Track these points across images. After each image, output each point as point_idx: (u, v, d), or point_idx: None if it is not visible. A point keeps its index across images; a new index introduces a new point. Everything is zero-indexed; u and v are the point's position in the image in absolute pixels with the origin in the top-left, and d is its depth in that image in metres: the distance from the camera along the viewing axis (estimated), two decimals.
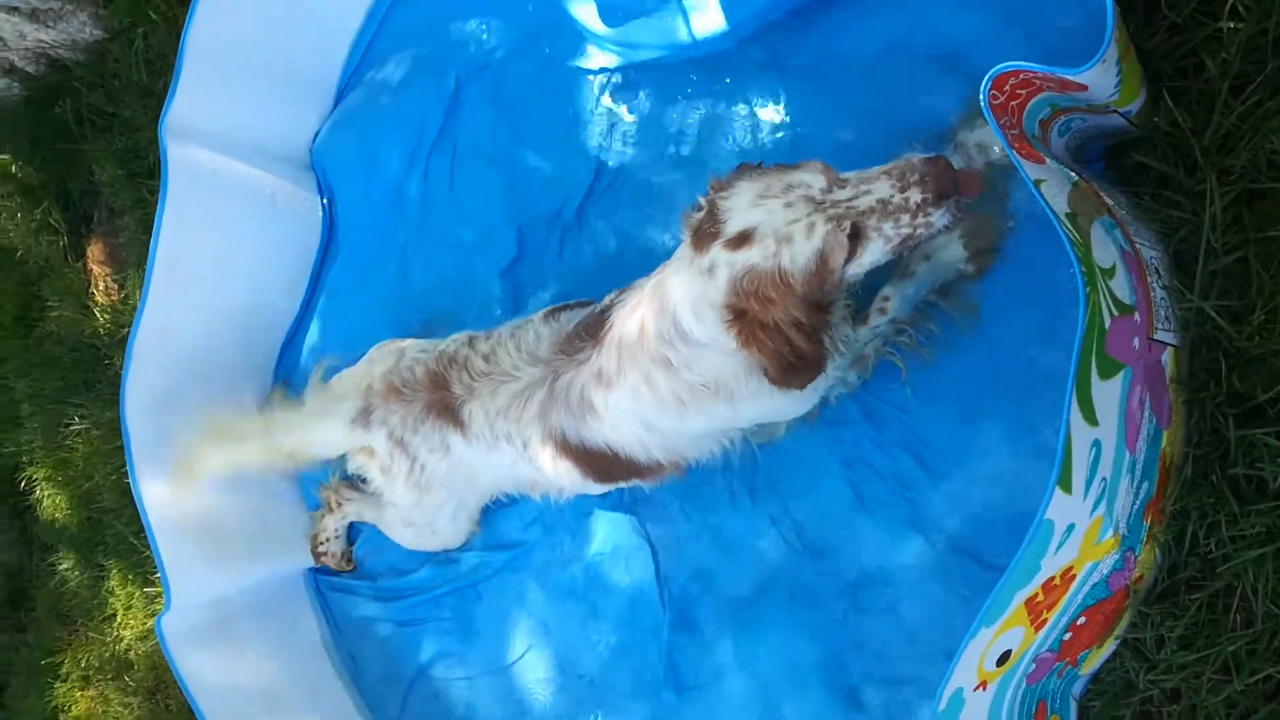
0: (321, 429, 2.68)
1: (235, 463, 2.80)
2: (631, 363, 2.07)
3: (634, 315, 2.03)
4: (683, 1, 2.49)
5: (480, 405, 2.37)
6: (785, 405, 2.21)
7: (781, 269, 1.76)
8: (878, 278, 2.07)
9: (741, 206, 1.78)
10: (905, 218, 1.77)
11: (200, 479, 2.83)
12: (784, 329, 1.82)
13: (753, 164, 1.93)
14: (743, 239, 1.77)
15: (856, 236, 1.77)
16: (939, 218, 1.79)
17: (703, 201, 1.87)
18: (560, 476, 2.41)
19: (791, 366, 1.88)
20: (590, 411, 2.19)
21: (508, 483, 2.66)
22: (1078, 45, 2.04)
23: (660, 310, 1.97)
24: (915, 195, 1.76)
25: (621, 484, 2.50)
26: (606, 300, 2.22)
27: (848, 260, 1.79)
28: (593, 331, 2.17)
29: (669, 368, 2.03)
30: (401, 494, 2.65)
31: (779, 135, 2.49)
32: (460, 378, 2.40)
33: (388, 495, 2.72)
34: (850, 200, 1.76)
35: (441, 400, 2.44)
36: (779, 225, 1.75)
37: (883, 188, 1.76)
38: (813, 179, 1.78)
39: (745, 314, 1.83)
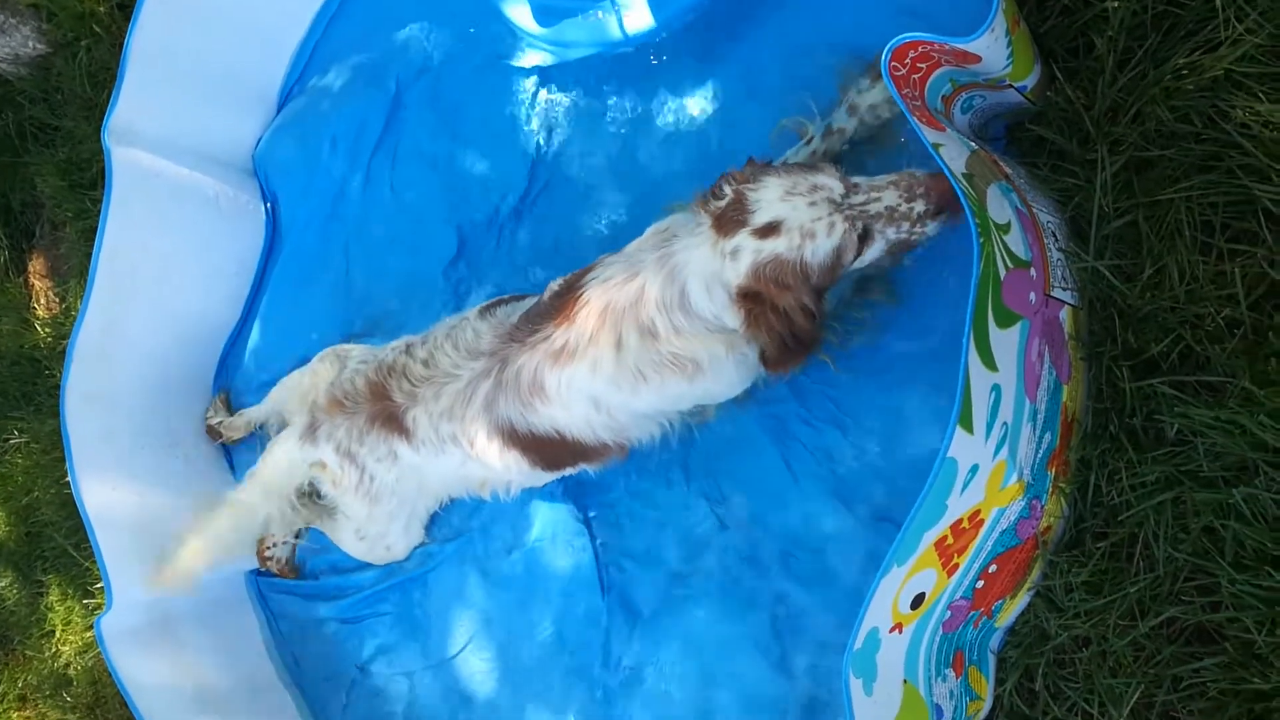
0: (276, 456, 2.72)
1: (220, 553, 2.79)
2: (611, 327, 2.13)
3: (631, 284, 2.10)
4: (614, 1, 2.58)
5: (423, 409, 2.42)
6: (728, 387, 2.31)
7: (803, 260, 1.94)
8: None
9: (770, 199, 1.95)
10: (905, 225, 1.97)
11: (191, 577, 2.79)
12: (791, 313, 1.99)
13: (760, 160, 2.11)
14: (770, 229, 1.94)
15: (865, 237, 1.96)
16: (931, 228, 1.99)
17: (728, 190, 2.01)
18: (509, 469, 2.46)
19: (788, 349, 2.05)
20: (540, 394, 2.24)
21: (457, 485, 2.71)
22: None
23: (668, 279, 2.07)
24: (919, 206, 1.95)
25: (569, 470, 2.55)
26: (554, 286, 2.29)
27: (859, 255, 1.98)
28: (549, 314, 2.23)
29: (650, 335, 2.12)
30: (354, 506, 2.69)
31: (704, 123, 2.59)
32: (400, 385, 2.47)
33: (341, 508, 2.76)
34: (863, 204, 1.95)
35: (384, 410, 2.49)
36: (804, 221, 1.92)
37: (891, 196, 1.95)
38: (833, 183, 1.95)
39: (759, 297, 1.99)
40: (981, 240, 1.61)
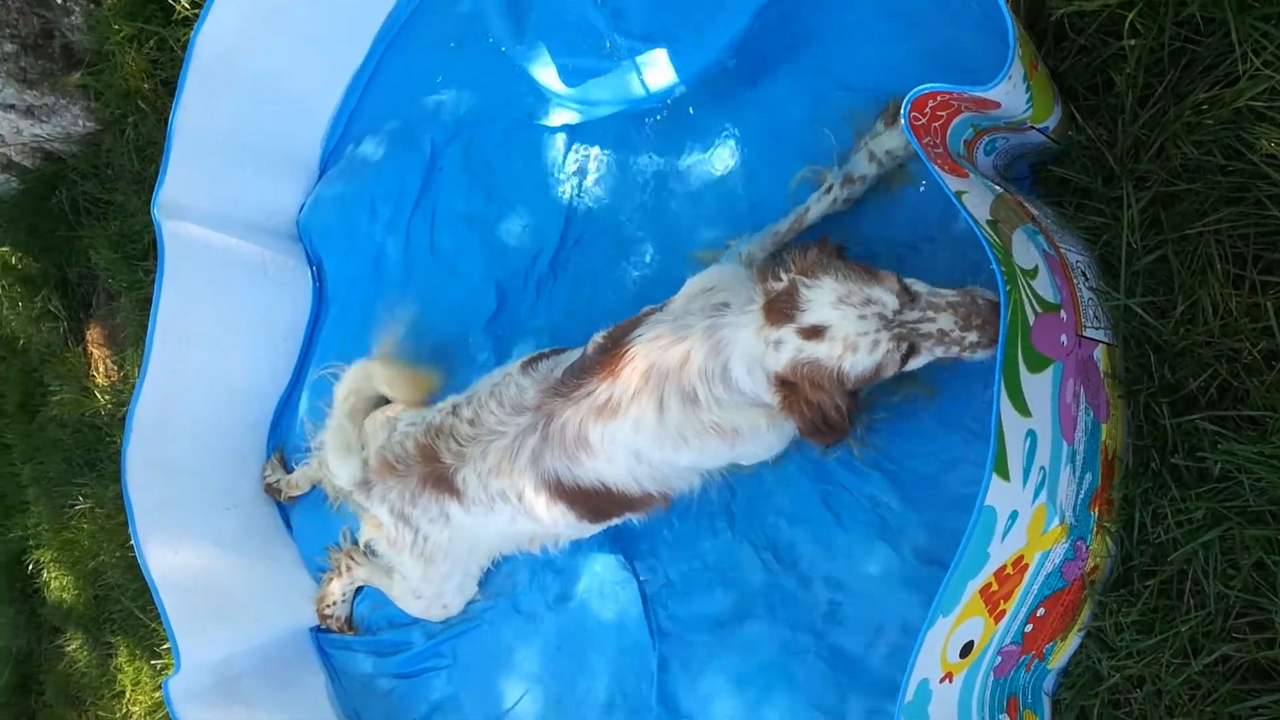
0: (336, 466, 2.85)
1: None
2: (655, 388, 2.16)
3: (677, 347, 2.13)
4: (636, 59, 2.64)
5: (472, 469, 2.47)
6: (766, 450, 2.36)
7: (841, 370, 1.96)
8: None
9: (822, 302, 1.95)
10: (955, 349, 1.95)
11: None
12: (824, 408, 2.03)
13: (834, 244, 2.10)
14: (815, 332, 1.96)
15: (911, 352, 1.96)
16: (981, 355, 1.96)
17: (785, 277, 2.03)
18: (556, 522, 2.49)
19: (820, 432, 2.09)
20: (585, 447, 2.28)
21: (507, 542, 2.77)
22: (997, 74, 2.19)
23: (713, 351, 2.09)
24: (973, 336, 1.92)
25: (614, 520, 2.58)
26: (598, 339, 2.33)
27: (897, 370, 1.99)
28: (593, 369, 2.26)
29: (691, 401, 2.15)
30: (409, 565, 2.76)
31: (730, 172, 2.63)
32: (448, 446, 2.52)
33: (397, 567, 2.84)
34: (915, 322, 1.94)
35: (434, 471, 2.55)
36: (850, 333, 1.93)
37: (946, 320, 1.93)
38: (888, 298, 1.94)
39: (794, 387, 2.02)
40: (1008, 288, 1.63)
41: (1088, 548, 1.87)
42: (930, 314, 1.93)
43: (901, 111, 1.73)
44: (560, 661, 2.77)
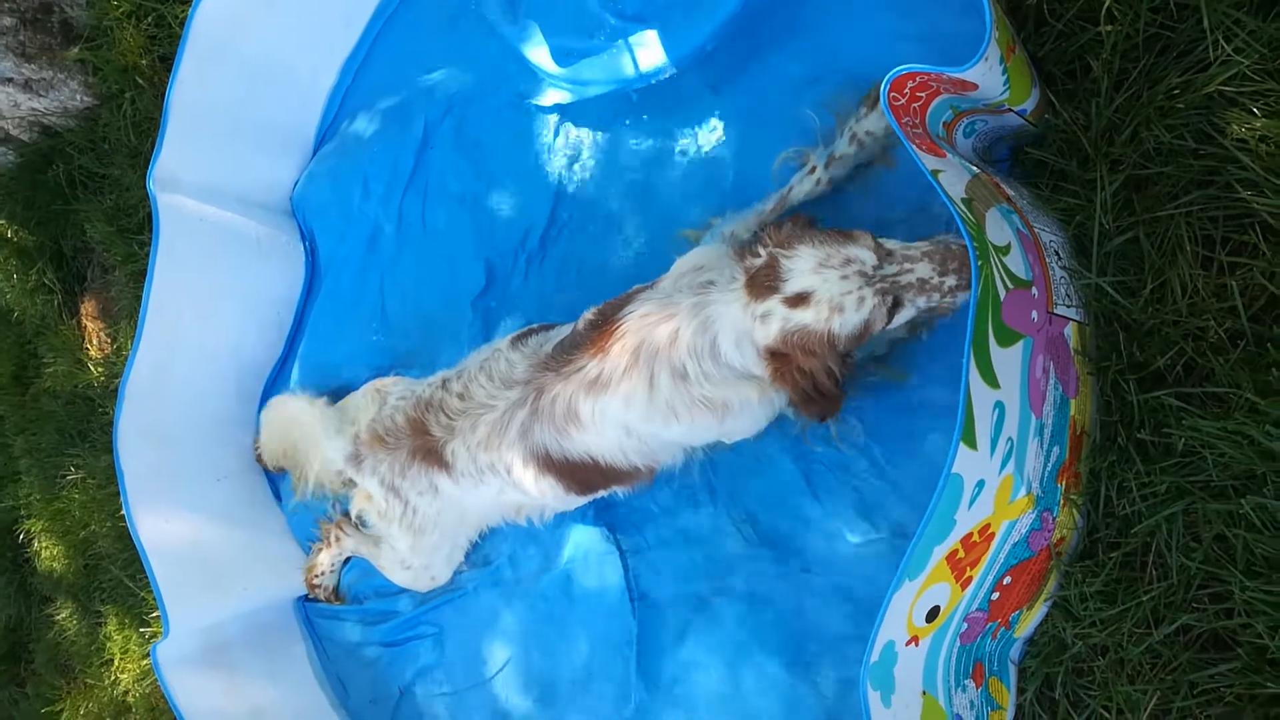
0: (323, 446, 2.91)
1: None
2: (645, 365, 2.20)
3: (665, 324, 2.17)
4: (627, 39, 2.68)
5: (461, 442, 2.52)
6: (753, 425, 2.40)
7: (831, 332, 2.01)
8: None
9: (803, 270, 2.01)
10: (936, 295, 2.01)
11: None
12: (815, 374, 2.07)
13: (805, 216, 2.17)
14: (800, 299, 2.01)
15: (895, 306, 2.02)
16: (962, 298, 2.02)
17: (763, 252, 2.08)
18: (544, 494, 2.54)
19: (812, 400, 2.12)
20: (575, 421, 2.32)
21: (495, 513, 2.81)
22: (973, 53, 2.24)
23: (701, 328, 2.14)
24: (951, 280, 2.00)
25: (601, 493, 2.62)
26: (589, 315, 2.37)
27: (884, 326, 2.04)
28: (583, 344, 2.31)
29: (681, 378, 2.19)
30: (399, 537, 2.81)
31: (717, 153, 2.68)
32: (438, 420, 2.56)
33: (386, 538, 2.89)
34: (895, 275, 2.00)
35: (424, 444, 2.60)
36: (834, 295, 1.98)
37: (924, 268, 2.00)
38: (866, 255, 2.00)
39: (785, 357, 2.07)
40: (980, 263, 1.67)
41: (1054, 519, 1.93)
42: (907, 265, 2.00)
43: (880, 92, 1.78)
44: (543, 630, 2.82)
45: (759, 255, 2.09)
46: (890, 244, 2.03)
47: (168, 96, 3.18)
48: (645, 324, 2.21)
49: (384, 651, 3.13)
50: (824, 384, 2.09)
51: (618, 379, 2.25)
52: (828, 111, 2.44)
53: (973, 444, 1.67)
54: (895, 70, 1.78)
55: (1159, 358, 1.88)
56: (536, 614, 2.84)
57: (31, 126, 4.20)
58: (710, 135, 2.68)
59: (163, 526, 3.19)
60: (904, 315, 2.04)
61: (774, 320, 2.04)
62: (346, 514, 3.15)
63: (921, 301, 2.01)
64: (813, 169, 2.41)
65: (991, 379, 1.70)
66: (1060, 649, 2.00)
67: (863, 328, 2.00)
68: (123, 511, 3.15)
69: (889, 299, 1.99)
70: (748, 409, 2.27)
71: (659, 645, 2.61)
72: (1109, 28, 1.94)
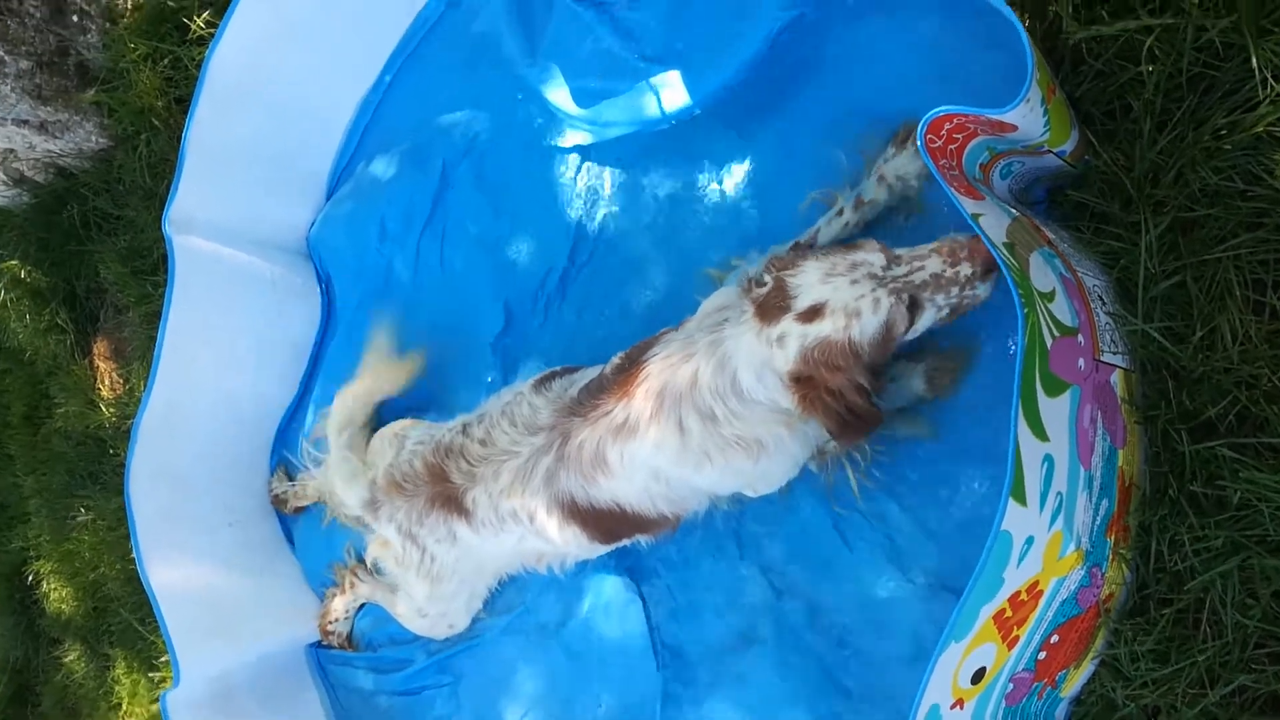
0: (341, 491, 2.86)
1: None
2: (671, 410, 2.14)
3: (685, 366, 2.11)
4: (650, 80, 2.64)
5: (483, 489, 2.45)
6: (790, 462, 2.31)
7: (852, 340, 1.93)
8: None
9: (811, 283, 1.95)
10: (955, 289, 1.95)
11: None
12: (846, 393, 1.99)
13: (805, 242, 2.17)
14: (814, 313, 1.94)
15: (914, 307, 1.95)
16: (983, 290, 1.96)
17: (768, 278, 2.03)
18: (567, 543, 2.47)
19: (848, 424, 2.04)
20: (602, 467, 2.25)
21: (514, 562, 2.74)
22: (1006, 91, 2.19)
23: (719, 367, 2.08)
24: (965, 269, 1.93)
25: (625, 541, 2.55)
26: (615, 360, 2.32)
27: (907, 329, 1.96)
28: (609, 387, 2.25)
29: (710, 419, 2.12)
30: (415, 584, 2.74)
31: (741, 195, 2.62)
32: (459, 466, 2.50)
33: (403, 586, 2.82)
34: (907, 275, 1.93)
35: (443, 491, 2.53)
36: (848, 301, 1.91)
37: (935, 263, 1.94)
38: (873, 257, 1.94)
39: (810, 380, 1.99)
40: (1026, 310, 1.61)
41: (1103, 575, 1.85)
42: (918, 263, 1.94)
43: (917, 134, 1.73)
44: (563, 682, 2.74)
45: (765, 284, 2.03)
46: (898, 250, 1.98)
47: (184, 137, 3.16)
48: (667, 366, 2.15)
49: (398, 700, 3.05)
50: (856, 402, 2.00)
51: (645, 424, 2.18)
52: (856, 152, 2.39)
53: (1022, 499, 1.60)
54: (933, 112, 1.73)
55: (1210, 407, 1.82)
56: (557, 665, 2.75)
57: (46, 168, 4.19)
58: (734, 176, 2.63)
59: (173, 571, 3.13)
60: (927, 317, 1.98)
61: (791, 341, 1.97)
62: (362, 560, 3.09)
63: (941, 299, 1.95)
64: (840, 211, 2.35)
65: (1040, 431, 1.64)
66: (1109, 709, 1.92)
67: (884, 331, 1.93)
68: (133, 554, 3.08)
69: (905, 298, 1.93)
70: (781, 446, 2.19)
71: (684, 701, 2.52)
72: (1150, 68, 1.89)
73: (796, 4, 2.48)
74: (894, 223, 2.35)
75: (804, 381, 2.00)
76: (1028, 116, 1.76)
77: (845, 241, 2.30)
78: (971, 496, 2.23)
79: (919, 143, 1.74)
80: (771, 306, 1.99)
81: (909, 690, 2.18)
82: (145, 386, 3.16)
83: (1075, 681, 1.96)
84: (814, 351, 1.95)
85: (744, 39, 2.53)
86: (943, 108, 1.73)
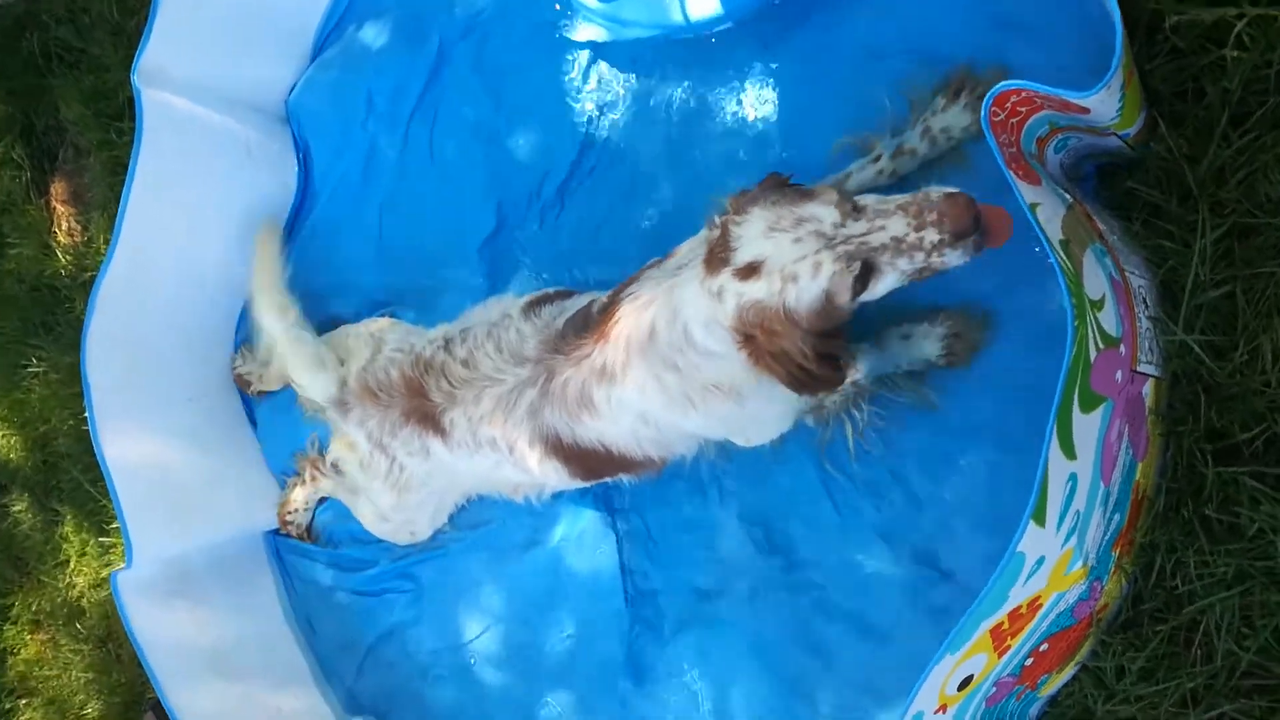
0: (307, 383, 2.69)
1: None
2: (640, 360, 2.01)
3: (645, 314, 1.97)
4: None
5: (463, 412, 2.34)
6: (783, 404, 2.17)
7: (786, 306, 1.75)
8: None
9: (752, 236, 1.76)
10: (920, 255, 1.73)
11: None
12: (791, 356, 1.81)
13: (782, 175, 1.91)
14: (751, 270, 1.76)
15: (868, 271, 1.75)
16: (954, 256, 1.75)
17: (717, 220, 1.85)
18: (547, 476, 2.38)
19: (803, 383, 1.88)
20: (588, 408, 2.13)
21: (488, 485, 2.65)
22: (1075, 56, 2.02)
23: (671, 318, 1.93)
24: (932, 235, 1.71)
25: (607, 479, 2.46)
26: (602, 298, 2.17)
27: (859, 294, 1.77)
28: (592, 326, 2.11)
29: (677, 370, 1.99)
30: (381, 492, 2.65)
31: (766, 121, 2.44)
32: (439, 384, 2.37)
33: (366, 491, 2.72)
34: (863, 235, 1.72)
35: (420, 407, 2.41)
36: (786, 262, 1.73)
37: (898, 224, 1.72)
38: (825, 212, 1.73)
39: (753, 340, 1.83)
40: (1076, 324, 1.50)
41: (1103, 588, 1.80)
42: (879, 222, 1.72)
43: (983, 108, 1.57)
44: (526, 605, 2.70)
45: (715, 226, 1.87)
46: (866, 199, 1.77)
47: None
48: (632, 311, 2.01)
49: (356, 600, 3.00)
50: (806, 367, 1.82)
51: (621, 370, 2.06)
52: (899, 93, 2.21)
53: (1042, 521, 1.52)
54: (1002, 85, 1.58)
55: (1239, 430, 1.73)
56: (521, 587, 2.71)
57: None
58: (760, 101, 2.44)
59: (129, 446, 2.99)
60: (885, 282, 1.77)
61: (728, 297, 1.80)
62: (324, 453, 2.98)
63: (904, 263, 1.74)
64: (877, 157, 2.19)
65: (1069, 450, 1.54)
66: (1085, 716, 1.90)
67: (823, 299, 1.73)
68: (85, 418, 2.95)
69: (856, 264, 1.72)
70: (763, 391, 2.02)
71: (651, 638, 2.49)
72: (1236, 53, 1.72)
73: None
74: (931, 174, 2.19)
75: (747, 339, 1.84)
76: (1105, 101, 1.60)
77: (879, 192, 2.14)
78: (969, 476, 2.16)
79: (983, 116, 1.58)
80: (715, 256, 1.82)
81: (879, 661, 2.21)
82: (107, 249, 2.94)
83: (1054, 684, 1.94)
84: (748, 312, 1.79)
85: None
86: (1013, 82, 1.57)
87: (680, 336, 1.94)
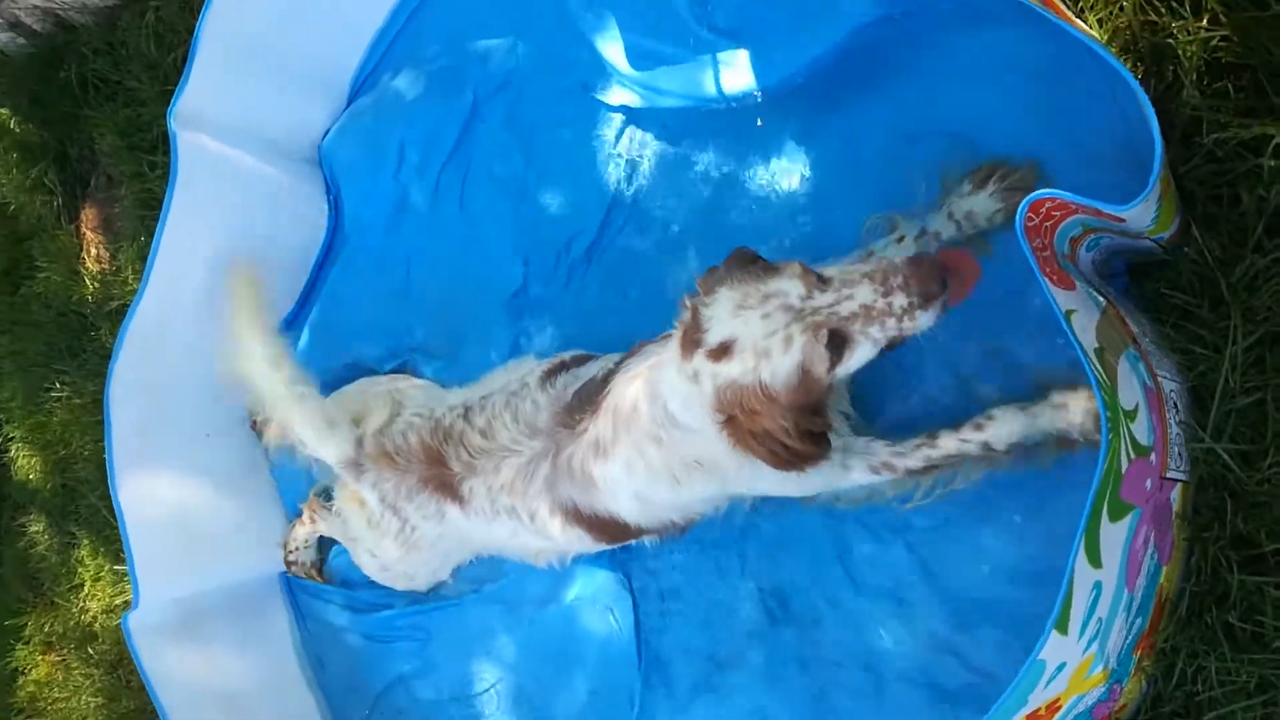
0: (317, 445, 2.60)
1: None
2: (625, 434, 2.04)
3: (630, 389, 2.00)
4: (715, 55, 2.44)
5: (482, 481, 2.35)
6: (783, 486, 2.16)
7: (762, 383, 1.75)
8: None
9: (722, 316, 1.76)
10: (891, 321, 1.74)
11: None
12: (774, 434, 1.81)
13: (748, 250, 1.90)
14: (724, 350, 1.76)
15: (841, 342, 1.75)
16: (925, 319, 1.76)
17: (687, 303, 1.86)
18: (570, 543, 2.40)
19: (786, 461, 1.87)
20: (590, 484, 2.16)
21: (503, 550, 2.65)
22: (1111, 153, 2.03)
23: (653, 396, 1.95)
24: (900, 300, 1.72)
25: (631, 541, 2.45)
26: (608, 365, 2.19)
27: (834, 365, 1.76)
28: (590, 401, 2.13)
29: (660, 444, 2.00)
30: (389, 548, 2.65)
31: (795, 193, 2.47)
32: (458, 454, 2.38)
33: (367, 543, 2.72)
34: (831, 305, 1.73)
35: (439, 475, 2.43)
36: (756, 339, 1.73)
37: (865, 292, 1.72)
38: (790, 285, 1.74)
39: (734, 420, 1.83)
40: (1110, 436, 1.50)
41: (1123, 689, 1.79)
42: (846, 291, 1.73)
43: (1018, 213, 1.58)
44: (539, 661, 2.70)
45: (685, 308, 1.87)
46: (830, 270, 1.78)
47: (200, 24, 2.90)
48: (620, 385, 2.04)
49: (368, 645, 3.01)
50: (788, 444, 1.81)
51: (610, 446, 2.08)
52: (933, 176, 2.21)
53: (1065, 630, 1.52)
54: (1038, 193, 1.58)
55: (1265, 539, 1.73)
56: (534, 644, 2.71)
57: (45, 16, 3.90)
58: (789, 173, 2.46)
59: (146, 488, 3.01)
60: (860, 352, 1.77)
61: (705, 379, 1.80)
62: (327, 494, 2.97)
63: (875, 331, 1.74)
64: (900, 239, 2.19)
65: (1096, 559, 1.54)
66: None
67: (799, 373, 1.73)
68: (104, 444, 2.96)
69: (823, 335, 1.72)
70: (742, 469, 2.02)
71: (663, 706, 2.49)
72: (1273, 163, 1.73)
73: (885, 3, 2.26)
74: None
75: (729, 420, 1.84)
76: (1141, 213, 1.61)
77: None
78: (987, 560, 2.15)
79: (1017, 222, 1.59)
80: (688, 339, 1.82)
81: None
82: (138, 286, 2.97)
83: None
84: (726, 393, 1.79)
85: (824, 29, 2.33)
86: (1050, 191, 1.58)
87: (661, 413, 1.95)
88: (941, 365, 2.21)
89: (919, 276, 1.71)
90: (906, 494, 2.16)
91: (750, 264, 1.84)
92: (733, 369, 1.76)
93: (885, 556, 2.25)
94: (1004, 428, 2.00)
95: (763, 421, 1.79)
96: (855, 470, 2.12)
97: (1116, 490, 1.55)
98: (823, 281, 1.75)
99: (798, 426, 1.80)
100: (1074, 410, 1.91)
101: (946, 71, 2.26)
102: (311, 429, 2.56)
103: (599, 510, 2.22)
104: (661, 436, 1.98)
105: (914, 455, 2.08)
